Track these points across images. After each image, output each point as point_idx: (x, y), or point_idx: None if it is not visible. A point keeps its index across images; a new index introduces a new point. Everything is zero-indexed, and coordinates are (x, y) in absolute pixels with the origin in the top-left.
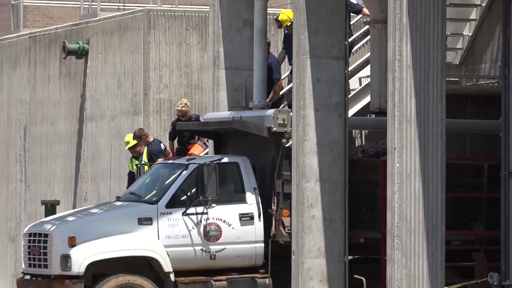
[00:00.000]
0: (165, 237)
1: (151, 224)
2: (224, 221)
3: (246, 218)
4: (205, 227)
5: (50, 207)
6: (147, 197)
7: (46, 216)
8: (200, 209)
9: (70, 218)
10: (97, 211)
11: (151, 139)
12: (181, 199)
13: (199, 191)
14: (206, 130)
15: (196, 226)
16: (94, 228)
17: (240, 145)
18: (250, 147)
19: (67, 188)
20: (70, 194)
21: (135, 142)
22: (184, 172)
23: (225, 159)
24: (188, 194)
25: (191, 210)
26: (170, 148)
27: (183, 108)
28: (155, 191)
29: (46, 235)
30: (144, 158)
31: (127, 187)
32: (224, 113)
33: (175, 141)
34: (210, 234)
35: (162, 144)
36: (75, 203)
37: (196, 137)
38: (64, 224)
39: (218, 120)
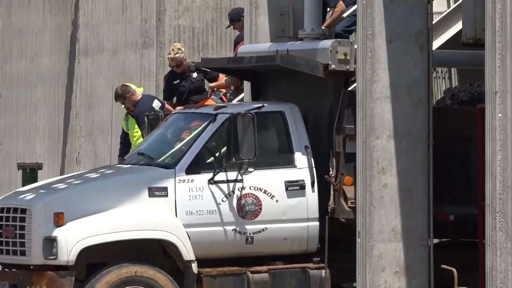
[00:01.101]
0: (185, 214)
1: (166, 195)
2: (264, 192)
3: (294, 188)
4: (239, 199)
5: (30, 173)
6: (160, 159)
7: (24, 184)
8: (232, 175)
9: (57, 188)
10: (93, 178)
11: (138, 97)
12: (207, 161)
13: (231, 151)
14: (240, 68)
15: (226, 198)
16: (89, 201)
17: (286, 89)
18: (300, 92)
19: (53, 146)
20: (57, 155)
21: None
22: (211, 125)
23: (267, 108)
24: (216, 154)
25: (220, 176)
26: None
27: (177, 55)
28: (171, 151)
29: (23, 211)
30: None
31: (119, 155)
32: (264, 45)
33: (174, 100)
34: (246, 209)
35: (156, 101)
36: (63, 167)
37: (209, 90)
38: (48, 195)
39: (256, 55)
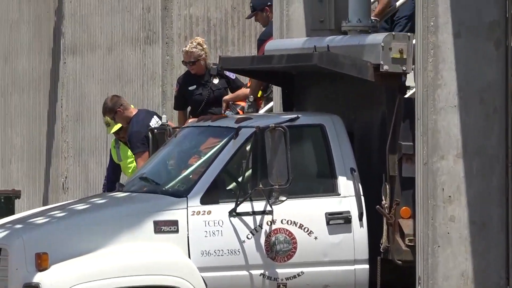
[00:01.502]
0: (201, 254)
1: (177, 231)
2: (300, 226)
3: (338, 221)
4: (268, 236)
5: (4, 202)
6: (169, 185)
7: None
8: (259, 205)
9: (39, 222)
10: (84, 209)
11: (132, 112)
12: (227, 188)
13: (258, 175)
14: (268, 70)
15: (252, 234)
16: (79, 238)
17: (326, 96)
18: (344, 99)
19: (33, 169)
20: (38, 180)
21: (119, 125)
22: (232, 141)
23: (302, 120)
24: (239, 179)
25: (244, 207)
26: (180, 122)
27: (194, 50)
28: (182, 175)
29: None
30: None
31: (103, 186)
32: (298, 41)
33: (188, 110)
34: (277, 249)
35: (154, 118)
36: (46, 196)
37: (224, 104)
38: (28, 231)
39: (288, 53)
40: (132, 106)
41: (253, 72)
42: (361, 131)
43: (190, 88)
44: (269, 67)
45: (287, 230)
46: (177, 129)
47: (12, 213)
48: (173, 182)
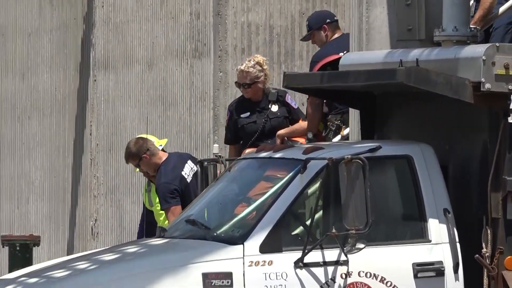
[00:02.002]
0: None
1: (231, 286)
2: (382, 280)
3: (428, 274)
4: None
5: (20, 251)
6: (221, 230)
7: (10, 269)
8: (332, 254)
9: (62, 275)
10: (117, 259)
11: (162, 158)
12: (293, 233)
13: (330, 217)
14: (343, 89)
15: None
16: None
17: (415, 121)
18: (436, 126)
19: (56, 211)
20: (62, 224)
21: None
22: (299, 177)
23: (385, 150)
24: (307, 222)
25: (314, 256)
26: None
27: (251, 70)
28: (237, 218)
29: None
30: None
31: (138, 237)
32: (380, 53)
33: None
34: None
35: (189, 164)
36: (71, 243)
37: (277, 140)
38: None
39: (368, 69)
40: (161, 144)
41: (325, 92)
42: (456, 163)
43: (242, 115)
44: (345, 86)
45: (365, 284)
46: (232, 161)
47: (30, 263)
48: (226, 226)
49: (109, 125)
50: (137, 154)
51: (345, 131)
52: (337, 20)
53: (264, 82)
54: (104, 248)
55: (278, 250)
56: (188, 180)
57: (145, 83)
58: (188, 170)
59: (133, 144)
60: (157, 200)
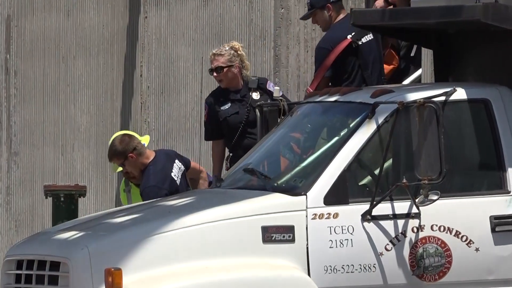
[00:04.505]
0: (324, 270)
1: (292, 240)
2: (456, 234)
3: (506, 227)
4: (414, 247)
5: (65, 202)
6: (282, 180)
7: (55, 221)
8: (402, 206)
9: (110, 227)
10: (168, 211)
11: (149, 156)
12: (360, 183)
13: (400, 166)
14: (415, 26)
15: (393, 245)
16: (163, 249)
17: (493, 62)
18: None
19: (104, 158)
20: (110, 173)
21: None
22: (366, 122)
23: (460, 93)
24: (375, 172)
25: (382, 208)
26: (215, 160)
27: (224, 52)
28: (300, 167)
29: (55, 265)
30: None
31: None
32: None
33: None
34: (426, 264)
35: (177, 164)
36: (119, 193)
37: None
38: (96, 240)
39: (441, 5)
40: (144, 143)
41: (394, 31)
42: None
43: (222, 108)
44: (418, 24)
45: (439, 239)
46: (294, 106)
47: (75, 216)
48: (288, 176)
49: (161, 65)
50: (123, 152)
51: (417, 72)
52: (341, 0)
53: (240, 68)
54: (156, 199)
55: (344, 201)
56: (178, 182)
57: (200, 20)
58: (177, 170)
59: (118, 142)
60: (140, 202)
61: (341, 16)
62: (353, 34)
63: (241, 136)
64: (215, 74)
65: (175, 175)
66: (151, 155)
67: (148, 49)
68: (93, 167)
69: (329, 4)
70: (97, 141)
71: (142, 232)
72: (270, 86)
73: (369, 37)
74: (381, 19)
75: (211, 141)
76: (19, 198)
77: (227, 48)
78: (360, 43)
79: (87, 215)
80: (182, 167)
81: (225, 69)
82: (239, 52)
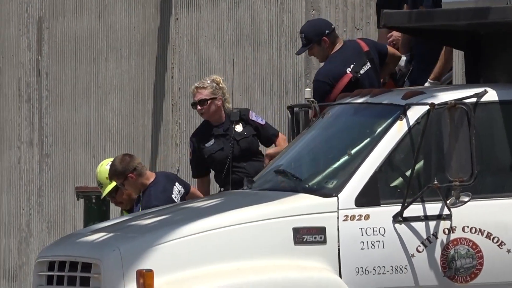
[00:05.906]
0: (355, 272)
1: (324, 241)
2: (488, 236)
3: None
4: (445, 248)
5: (96, 203)
6: (313, 182)
7: (86, 222)
8: (433, 207)
9: (141, 229)
10: (201, 212)
11: (149, 177)
12: (391, 185)
13: (432, 167)
14: (446, 28)
15: (424, 246)
16: (194, 250)
17: None
18: None
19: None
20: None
21: (113, 184)
22: (398, 124)
23: (492, 95)
24: (407, 174)
25: (414, 210)
26: (200, 190)
27: (206, 85)
28: (331, 169)
29: (87, 266)
30: None
31: None
32: None
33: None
34: (458, 265)
35: (177, 187)
36: None
37: (266, 160)
38: (127, 241)
39: (471, 7)
40: (148, 170)
41: (425, 32)
42: None
43: (207, 145)
44: (448, 25)
45: (470, 240)
46: (326, 108)
47: (106, 217)
48: (319, 177)
49: (192, 67)
50: (123, 172)
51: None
52: (334, 29)
53: (223, 101)
54: (188, 200)
55: (376, 203)
56: None
57: (231, 22)
58: (176, 192)
59: (118, 162)
60: None
61: (338, 46)
62: (351, 66)
63: (229, 172)
64: (198, 107)
65: (175, 197)
66: (151, 176)
67: (179, 51)
68: None
69: (324, 38)
70: (129, 142)
71: (173, 233)
72: (252, 116)
73: (367, 66)
74: (411, 21)
75: (197, 180)
76: (50, 199)
77: (209, 82)
78: (359, 75)
79: (119, 217)
80: (182, 190)
81: (208, 102)
82: (220, 85)
